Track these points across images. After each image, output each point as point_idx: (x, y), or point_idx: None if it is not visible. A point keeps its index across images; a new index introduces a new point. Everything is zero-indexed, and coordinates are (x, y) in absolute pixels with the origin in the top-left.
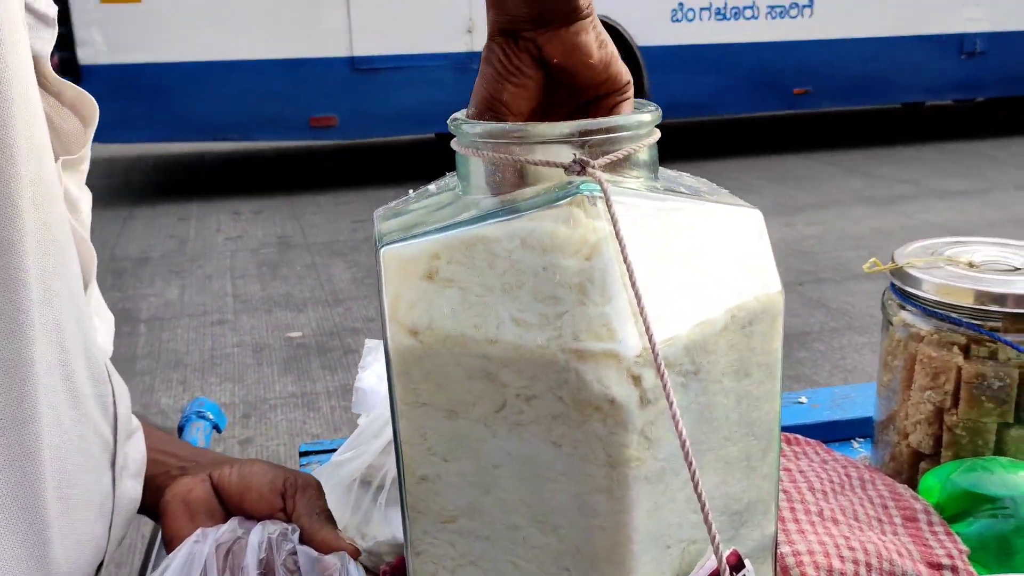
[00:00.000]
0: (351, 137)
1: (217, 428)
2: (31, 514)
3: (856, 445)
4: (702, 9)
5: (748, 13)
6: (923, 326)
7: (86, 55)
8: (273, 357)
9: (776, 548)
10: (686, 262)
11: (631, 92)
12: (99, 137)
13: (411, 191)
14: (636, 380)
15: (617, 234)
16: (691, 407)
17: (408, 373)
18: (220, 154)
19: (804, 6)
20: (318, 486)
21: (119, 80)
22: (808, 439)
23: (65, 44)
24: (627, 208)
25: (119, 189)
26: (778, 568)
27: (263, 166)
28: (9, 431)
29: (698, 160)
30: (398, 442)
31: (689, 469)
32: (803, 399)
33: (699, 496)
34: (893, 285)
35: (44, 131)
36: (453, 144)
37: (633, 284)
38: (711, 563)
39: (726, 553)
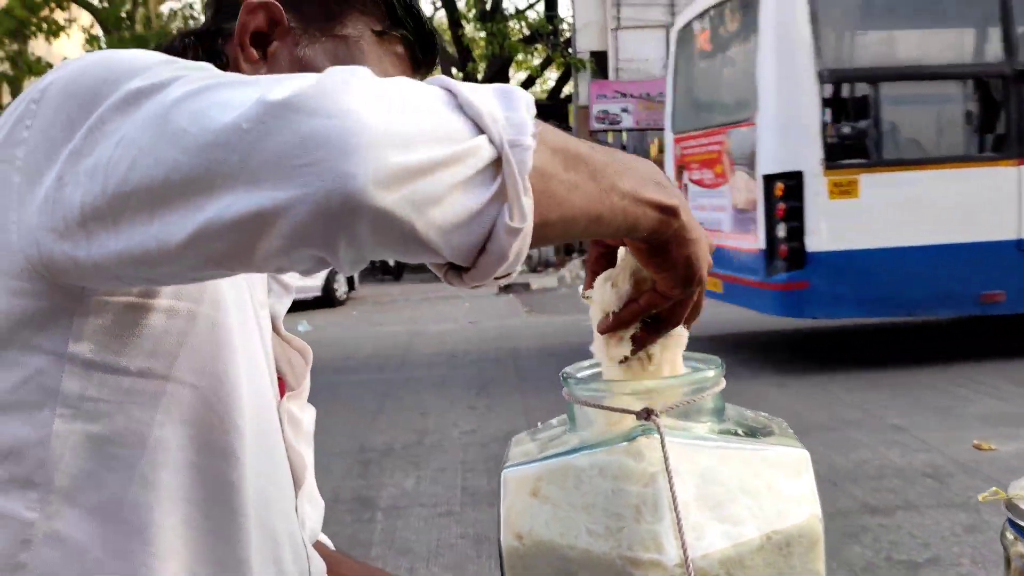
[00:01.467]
0: (1016, 310)
1: None
2: None
3: None
4: None
5: None
6: None
7: (812, 243)
8: (492, 550)
9: None
10: (731, 492)
11: (676, 305)
12: (814, 312)
13: (540, 423)
14: None
15: (667, 470)
16: None
17: (514, 567)
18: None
19: None
20: None
21: (836, 264)
22: None
23: (794, 236)
24: (684, 448)
25: (373, 384)
26: None
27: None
28: None
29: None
30: None
31: None
32: None
33: None
34: (1010, 520)
35: (267, 381)
36: (563, 393)
37: (675, 508)
38: None
39: None
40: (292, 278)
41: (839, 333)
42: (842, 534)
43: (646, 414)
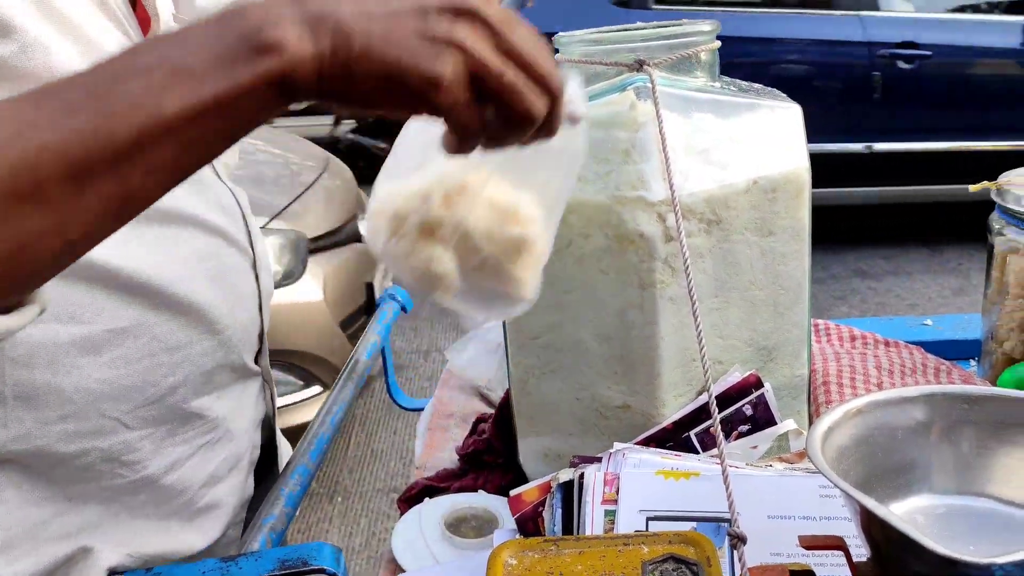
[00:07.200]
0: None
1: (404, 309)
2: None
3: (973, 363)
4: None
5: None
6: (1020, 239)
7: None
8: None
9: (810, 389)
10: (720, 140)
11: None
12: None
13: None
14: (661, 219)
15: (657, 112)
16: (713, 249)
17: None
18: None
19: None
20: None
21: None
22: (909, 344)
23: None
24: (677, 100)
25: None
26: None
27: None
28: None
29: None
30: None
31: (688, 286)
32: (928, 322)
33: (694, 310)
34: (998, 206)
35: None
36: (556, 57)
37: (664, 148)
38: (733, 377)
39: (746, 373)
40: None
41: None
42: (832, 297)
43: (638, 65)
